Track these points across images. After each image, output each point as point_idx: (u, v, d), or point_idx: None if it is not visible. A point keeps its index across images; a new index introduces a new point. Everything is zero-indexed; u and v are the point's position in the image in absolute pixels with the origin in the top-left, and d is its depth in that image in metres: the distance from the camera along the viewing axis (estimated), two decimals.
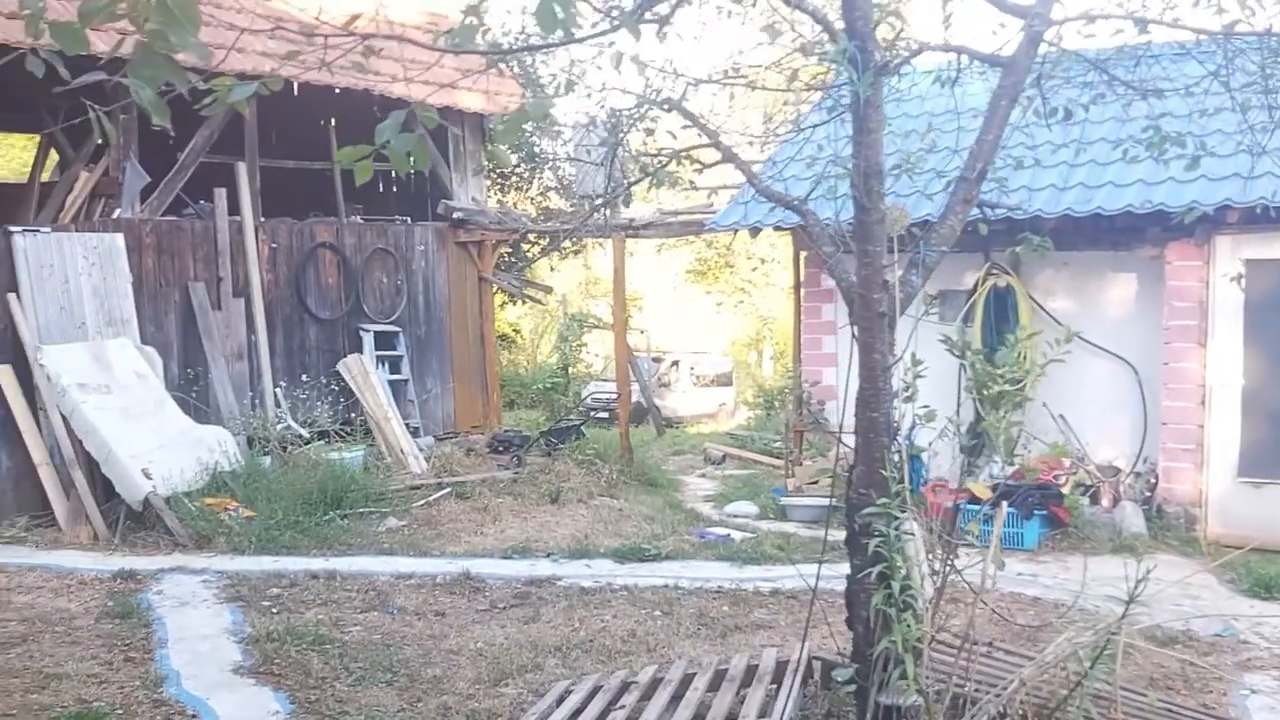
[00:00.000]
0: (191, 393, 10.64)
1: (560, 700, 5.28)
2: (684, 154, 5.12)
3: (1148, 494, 9.62)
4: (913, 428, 4.42)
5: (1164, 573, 8.60)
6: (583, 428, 14.11)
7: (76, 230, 10.24)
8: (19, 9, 3.24)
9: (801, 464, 11.53)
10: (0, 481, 9.33)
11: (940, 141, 7.26)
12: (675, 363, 26.55)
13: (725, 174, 10.39)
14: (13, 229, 9.64)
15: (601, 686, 5.36)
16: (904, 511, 4.14)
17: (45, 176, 12.88)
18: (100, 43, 2.52)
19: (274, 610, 7.25)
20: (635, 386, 18.17)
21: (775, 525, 10.36)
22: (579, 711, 5.05)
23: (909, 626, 3.87)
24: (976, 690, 4.59)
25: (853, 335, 4.37)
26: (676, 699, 5.06)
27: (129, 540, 8.95)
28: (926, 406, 4.30)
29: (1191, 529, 9.27)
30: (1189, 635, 6.85)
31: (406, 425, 12.26)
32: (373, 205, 14.00)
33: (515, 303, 19.04)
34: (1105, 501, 9.58)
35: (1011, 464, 9.23)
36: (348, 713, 5.54)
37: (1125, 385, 10.11)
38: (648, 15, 3.59)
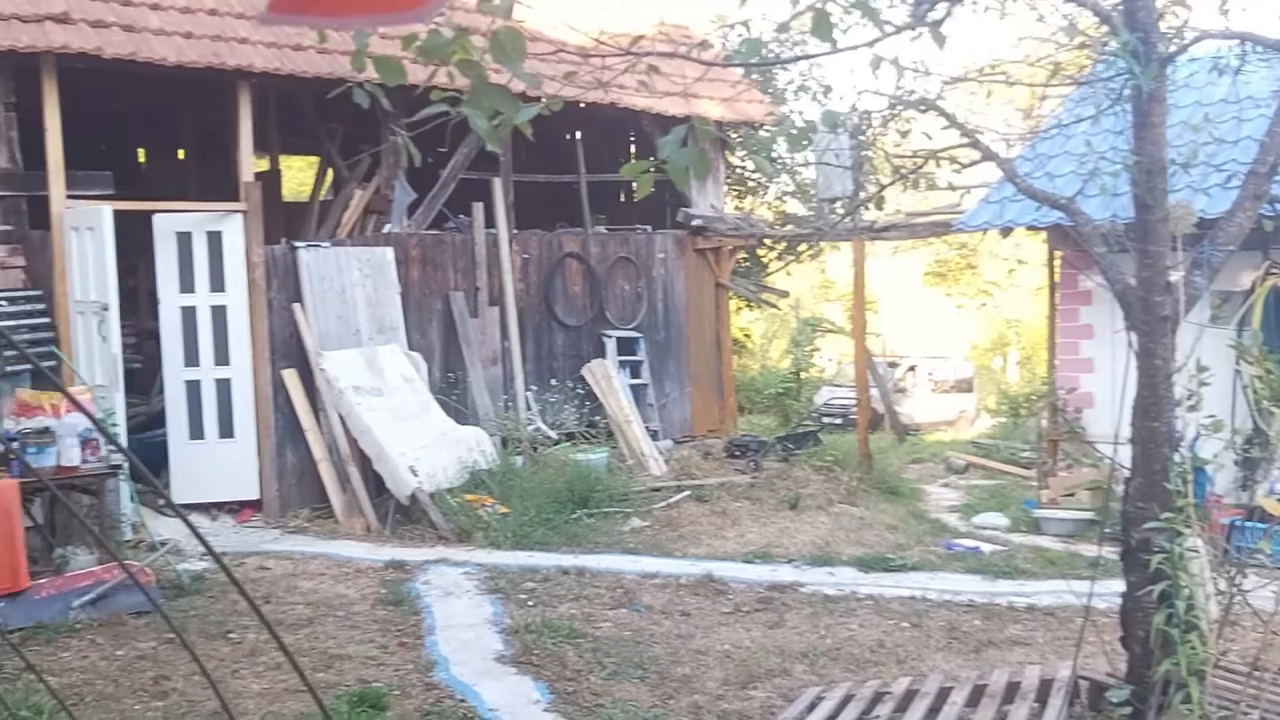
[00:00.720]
0: (452, 395, 11.28)
1: (812, 706, 5.28)
2: (941, 154, 5.02)
3: None
4: (1196, 438, 4.16)
5: None
6: (819, 434, 14.01)
7: (351, 245, 11.07)
8: (319, 42, 3.55)
9: (1056, 475, 11.00)
10: (286, 475, 10.20)
11: (1213, 132, 6.79)
12: (912, 367, 25.84)
13: (975, 173, 10.06)
14: (298, 244, 10.53)
15: (853, 695, 5.33)
16: (1188, 527, 3.91)
17: (323, 195, 13.98)
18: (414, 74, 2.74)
19: (530, 603, 7.59)
20: (873, 392, 17.86)
21: (1027, 539, 9.96)
22: (831, 719, 5.04)
23: (1194, 649, 3.64)
24: (1265, 718, 4.28)
25: (1128, 341, 4.16)
26: (933, 712, 4.96)
27: (397, 532, 9.59)
28: (1213, 416, 4.05)
29: None
30: None
31: (646, 428, 12.54)
32: (614, 215, 14.40)
33: (750, 307, 19.10)
34: None
35: None
36: (603, 705, 5.73)
37: None
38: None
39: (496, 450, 10.69)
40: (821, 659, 6.51)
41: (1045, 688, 4.98)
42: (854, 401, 15.08)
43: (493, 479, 10.17)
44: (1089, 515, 9.99)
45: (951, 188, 8.78)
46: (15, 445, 7.16)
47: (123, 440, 8.92)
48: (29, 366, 8.43)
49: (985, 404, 25.56)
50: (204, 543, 2.35)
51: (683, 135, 2.49)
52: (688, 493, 11.10)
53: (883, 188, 5.27)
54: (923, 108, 4.92)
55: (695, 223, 13.85)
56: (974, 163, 5.13)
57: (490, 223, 12.04)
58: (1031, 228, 10.75)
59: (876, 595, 7.87)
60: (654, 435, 12.81)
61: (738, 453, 12.96)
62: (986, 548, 9.48)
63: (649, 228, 13.90)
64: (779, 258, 16.92)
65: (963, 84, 6.18)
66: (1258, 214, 4.48)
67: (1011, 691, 5.05)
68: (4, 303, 8.91)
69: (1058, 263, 11.34)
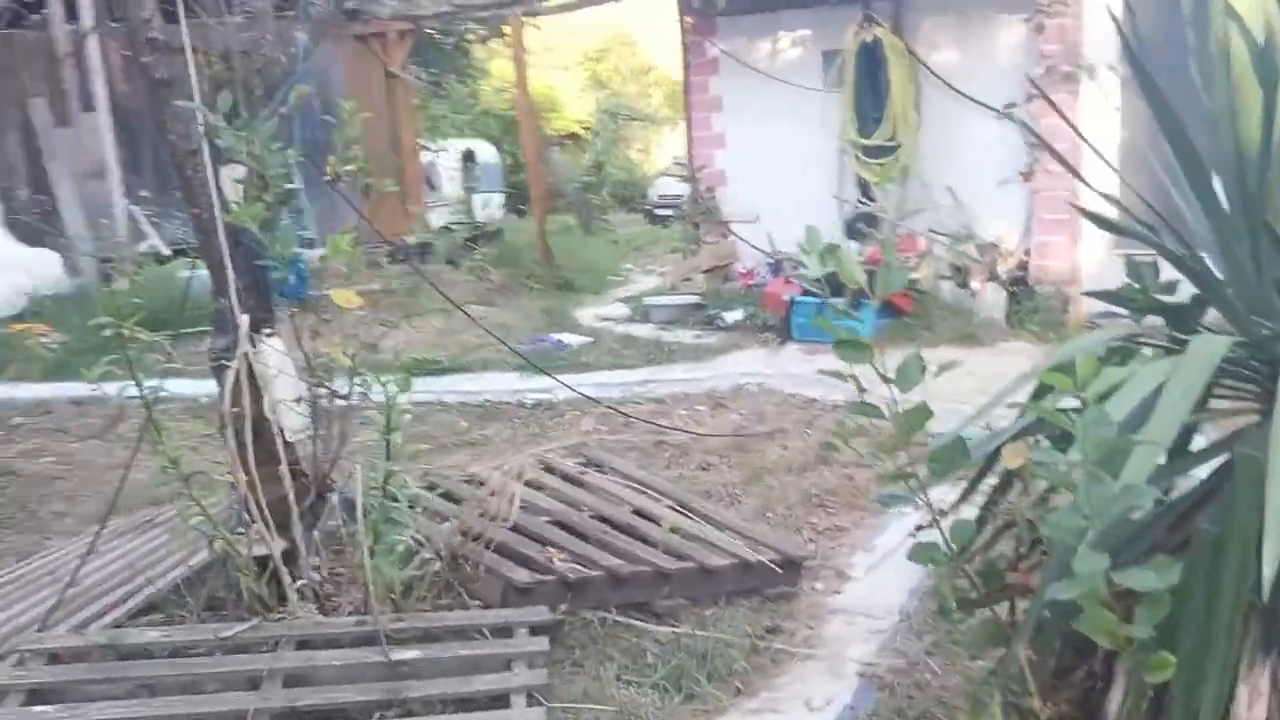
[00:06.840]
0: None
1: None
2: None
3: (1020, 273, 8.33)
4: None
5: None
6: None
7: None
8: None
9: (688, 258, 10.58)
10: None
11: None
12: None
13: None
14: None
15: None
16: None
17: None
18: None
19: None
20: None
21: (630, 328, 9.52)
22: None
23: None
24: None
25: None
26: None
27: None
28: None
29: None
30: None
31: None
32: None
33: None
34: (976, 284, 8.35)
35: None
36: None
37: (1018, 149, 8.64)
38: None
39: (75, 272, 9.79)
40: None
41: None
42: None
43: (60, 305, 9.35)
44: (695, 299, 9.58)
45: None
46: None
47: None
48: None
49: None
50: None
51: None
52: None
53: None
54: None
55: (349, 4, 12.60)
56: None
57: (72, 15, 10.74)
58: None
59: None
60: (309, 245, 11.98)
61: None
62: (576, 340, 8.90)
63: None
64: (483, 40, 15.77)
65: None
66: None
67: None
68: None
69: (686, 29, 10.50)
